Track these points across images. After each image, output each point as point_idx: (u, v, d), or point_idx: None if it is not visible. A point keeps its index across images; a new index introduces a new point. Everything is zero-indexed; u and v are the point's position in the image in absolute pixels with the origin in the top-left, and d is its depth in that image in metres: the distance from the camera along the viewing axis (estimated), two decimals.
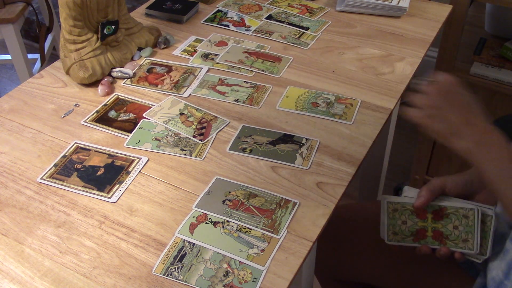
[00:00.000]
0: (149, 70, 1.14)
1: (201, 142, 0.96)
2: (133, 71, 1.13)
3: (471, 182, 0.86)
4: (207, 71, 1.13)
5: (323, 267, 1.10)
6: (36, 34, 2.17)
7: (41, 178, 0.90)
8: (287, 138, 0.96)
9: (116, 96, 1.08)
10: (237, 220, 0.81)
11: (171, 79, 1.11)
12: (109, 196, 0.86)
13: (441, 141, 0.78)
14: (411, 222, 0.88)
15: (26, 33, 2.80)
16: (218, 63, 1.16)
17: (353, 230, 1.07)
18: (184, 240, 0.79)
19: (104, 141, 0.97)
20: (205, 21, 1.32)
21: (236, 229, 0.80)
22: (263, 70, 1.13)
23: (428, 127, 0.79)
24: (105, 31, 1.09)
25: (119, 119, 1.02)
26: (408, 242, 0.88)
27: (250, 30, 1.27)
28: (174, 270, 0.75)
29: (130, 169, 0.91)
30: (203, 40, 1.24)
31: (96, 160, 0.93)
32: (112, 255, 0.77)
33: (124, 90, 1.09)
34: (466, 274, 0.94)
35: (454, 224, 0.84)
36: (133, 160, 0.93)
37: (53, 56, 2.41)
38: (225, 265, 0.75)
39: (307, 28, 1.27)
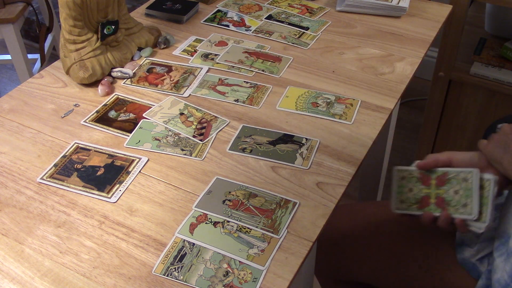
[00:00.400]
0: (149, 70, 1.14)
1: (201, 142, 0.96)
2: (133, 71, 1.13)
3: (479, 158, 0.87)
4: (207, 71, 1.13)
5: (323, 267, 1.10)
6: (36, 34, 2.17)
7: (41, 178, 0.90)
8: (287, 138, 0.96)
9: (116, 96, 1.08)
10: (237, 220, 0.81)
11: (171, 79, 1.11)
12: (109, 196, 0.86)
13: (496, 165, 0.84)
14: (417, 189, 0.89)
15: (26, 33, 2.80)
16: (218, 63, 1.16)
17: (353, 230, 1.07)
18: (184, 240, 0.79)
19: (104, 141, 0.97)
20: (205, 21, 1.32)
21: (236, 229, 0.80)
22: (263, 70, 1.13)
23: (488, 152, 0.85)
24: (105, 31, 1.09)
25: (119, 119, 1.02)
26: (413, 210, 0.89)
27: (250, 30, 1.28)
28: (174, 270, 0.75)
29: (130, 169, 0.91)
30: (203, 40, 1.24)
31: (96, 160, 0.93)
32: (112, 255, 0.77)
33: (124, 90, 1.09)
34: (468, 276, 0.94)
35: (455, 188, 0.85)
36: (133, 160, 0.93)
37: (53, 56, 2.41)
38: (225, 265, 0.75)
39: (307, 28, 1.27)
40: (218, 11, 1.36)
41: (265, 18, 1.32)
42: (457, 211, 0.84)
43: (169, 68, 1.14)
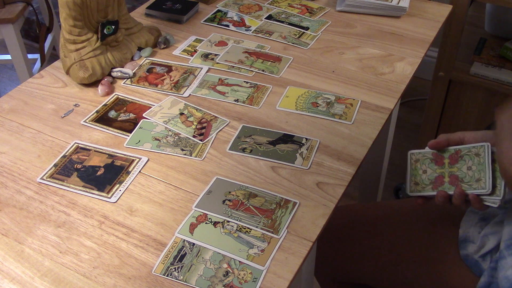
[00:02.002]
0: (149, 70, 1.14)
1: (201, 142, 0.96)
2: (133, 71, 1.13)
3: (491, 137, 0.87)
4: (207, 71, 1.13)
5: (323, 267, 1.10)
6: (36, 34, 2.17)
7: (41, 178, 0.90)
8: (287, 138, 0.96)
9: (116, 96, 1.08)
10: (237, 220, 0.81)
11: (171, 79, 1.11)
12: (109, 196, 0.86)
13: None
14: (431, 170, 0.89)
15: (26, 33, 2.80)
16: (218, 63, 1.16)
17: (353, 230, 1.07)
18: (184, 240, 0.79)
19: (104, 141, 0.97)
20: (205, 21, 1.32)
21: (236, 229, 0.80)
22: (263, 70, 1.13)
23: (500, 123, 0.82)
24: (105, 31, 1.09)
25: (119, 119, 1.02)
26: (427, 191, 0.89)
27: (250, 30, 1.27)
28: (174, 270, 0.75)
29: (130, 169, 0.91)
30: (203, 40, 1.24)
31: (96, 160, 0.93)
32: (112, 255, 0.77)
33: (124, 90, 1.09)
34: (469, 274, 0.93)
35: (467, 165, 0.85)
36: (133, 160, 0.93)
37: (53, 56, 2.41)
38: (225, 265, 0.75)
39: (307, 28, 1.27)
40: (218, 11, 1.36)
41: (265, 18, 1.32)
42: (471, 186, 0.84)
43: (169, 68, 1.14)
